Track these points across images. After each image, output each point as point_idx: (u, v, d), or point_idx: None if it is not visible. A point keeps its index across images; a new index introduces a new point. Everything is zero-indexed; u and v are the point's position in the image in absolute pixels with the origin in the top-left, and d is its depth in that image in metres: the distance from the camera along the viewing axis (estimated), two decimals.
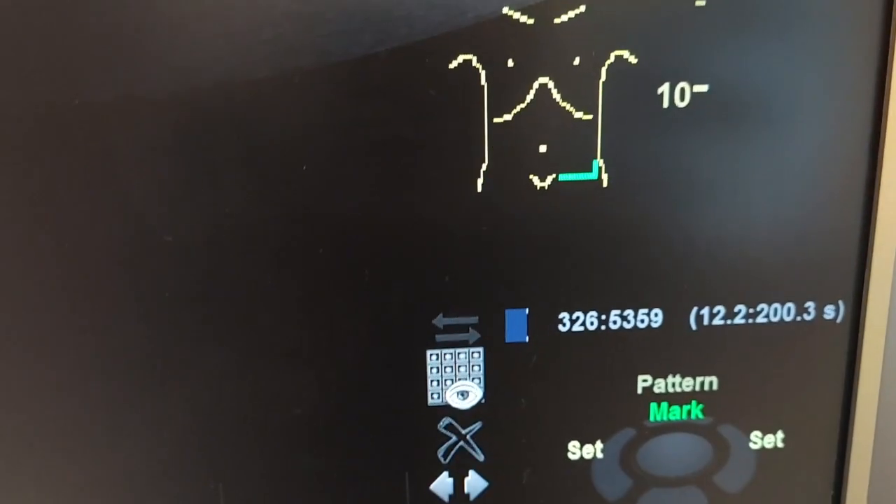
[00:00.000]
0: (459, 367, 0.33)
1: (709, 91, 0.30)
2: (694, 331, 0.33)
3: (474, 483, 0.35)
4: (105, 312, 0.31)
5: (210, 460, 0.33)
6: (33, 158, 0.30)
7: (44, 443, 0.33)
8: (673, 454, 0.35)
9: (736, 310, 0.33)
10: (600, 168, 0.31)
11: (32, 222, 0.30)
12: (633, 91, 0.30)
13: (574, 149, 0.30)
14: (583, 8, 0.29)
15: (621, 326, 0.33)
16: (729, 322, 0.33)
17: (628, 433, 0.34)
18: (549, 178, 0.31)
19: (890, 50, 0.30)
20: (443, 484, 0.35)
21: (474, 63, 0.29)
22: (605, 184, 0.31)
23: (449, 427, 0.34)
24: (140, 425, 0.33)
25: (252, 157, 0.30)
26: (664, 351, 0.33)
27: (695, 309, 0.33)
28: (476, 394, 0.33)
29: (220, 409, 0.33)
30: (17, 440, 0.33)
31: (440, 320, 0.32)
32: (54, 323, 0.31)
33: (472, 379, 0.33)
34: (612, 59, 0.30)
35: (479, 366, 0.33)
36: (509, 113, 0.30)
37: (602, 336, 0.33)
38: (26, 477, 0.33)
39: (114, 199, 0.30)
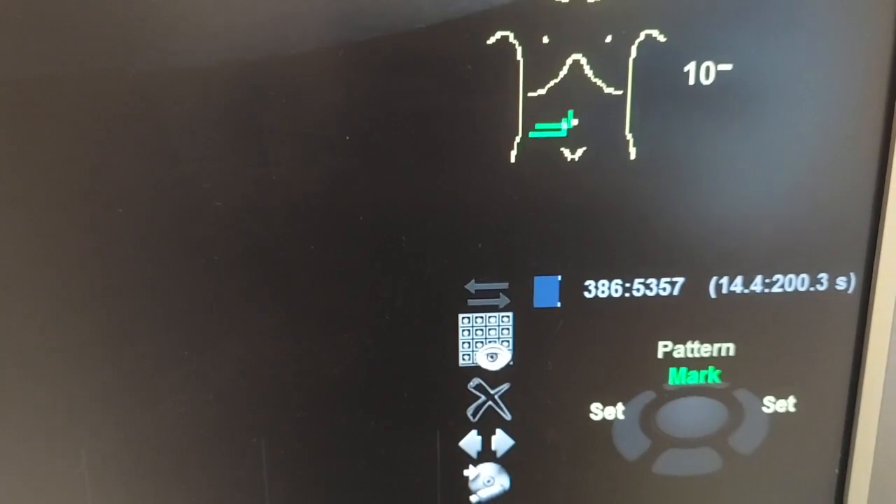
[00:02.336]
0: (489, 330, 0.35)
1: (732, 70, 0.32)
2: (713, 299, 0.35)
3: (501, 441, 0.36)
4: (156, 273, 0.33)
5: (253, 417, 0.35)
6: (91, 128, 0.31)
7: (92, 400, 0.34)
8: (690, 416, 0.36)
9: (753, 280, 0.35)
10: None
11: (88, 188, 0.32)
12: (661, 68, 0.31)
13: (604, 123, 0.32)
14: None
15: (644, 294, 0.34)
16: (746, 291, 0.35)
17: (648, 396, 0.36)
18: (580, 151, 0.32)
19: None
20: (471, 441, 0.36)
21: (511, 39, 0.31)
22: (632, 157, 0.32)
23: (478, 387, 0.35)
24: (186, 383, 0.34)
25: (297, 128, 0.31)
26: (684, 318, 0.35)
27: (714, 278, 0.34)
28: (505, 356, 0.35)
29: (263, 368, 0.34)
30: (65, 398, 0.34)
31: (472, 285, 0.34)
32: (107, 283, 0.33)
33: (502, 342, 0.35)
34: (642, 37, 0.31)
35: (509, 329, 0.35)
36: (543, 87, 0.31)
37: (626, 303, 0.34)
38: (74, 434, 0.35)
39: (166, 166, 0.32)
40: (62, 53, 0.30)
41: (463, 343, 0.35)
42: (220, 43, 0.30)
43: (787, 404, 0.36)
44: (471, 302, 0.34)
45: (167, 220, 0.32)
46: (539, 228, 0.33)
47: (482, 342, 0.35)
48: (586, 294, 0.34)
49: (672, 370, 0.36)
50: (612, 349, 0.35)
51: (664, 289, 0.34)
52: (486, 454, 0.36)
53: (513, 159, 0.32)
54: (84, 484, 0.35)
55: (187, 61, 0.30)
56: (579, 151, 0.32)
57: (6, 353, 0.33)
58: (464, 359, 0.35)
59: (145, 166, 0.31)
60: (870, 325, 0.35)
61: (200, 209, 0.32)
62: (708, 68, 0.32)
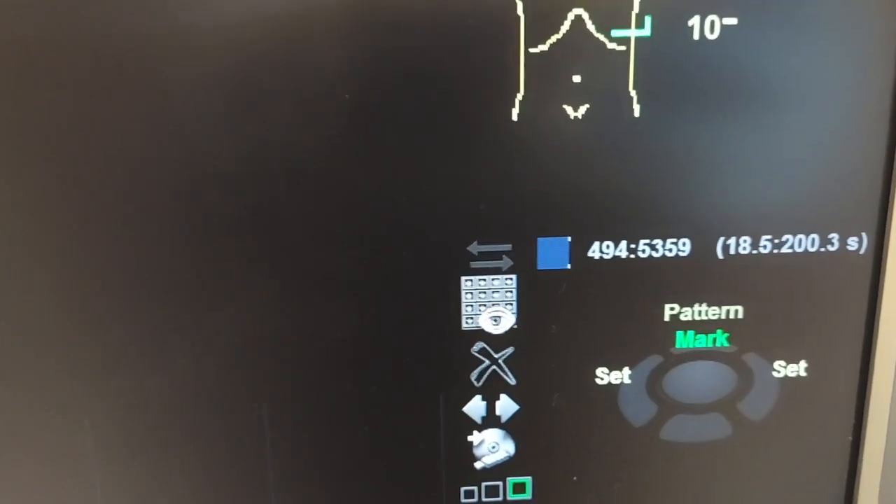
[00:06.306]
0: (493, 293, 0.34)
1: (738, 24, 0.31)
2: (720, 260, 0.34)
3: (506, 406, 0.36)
4: (156, 237, 0.33)
5: (254, 382, 0.35)
6: (93, 89, 0.31)
7: (94, 367, 0.34)
8: (698, 381, 0.36)
9: (762, 240, 0.34)
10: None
11: (87, 151, 0.31)
12: (664, 22, 0.31)
13: (607, 79, 0.31)
14: None
15: (650, 255, 0.34)
16: (754, 252, 0.34)
17: (655, 360, 0.35)
18: (583, 109, 0.32)
19: None
20: (475, 406, 0.36)
21: None
22: (636, 114, 0.32)
23: (482, 351, 0.35)
24: (188, 348, 0.34)
25: (297, 87, 0.31)
26: (691, 280, 0.34)
27: (721, 239, 0.34)
28: (508, 319, 0.35)
29: (264, 333, 0.34)
30: (68, 365, 0.34)
31: (475, 247, 0.34)
32: (108, 247, 0.33)
33: (505, 305, 0.34)
34: None
35: (512, 292, 0.34)
36: (545, 43, 0.31)
37: (631, 264, 0.34)
38: (77, 400, 0.35)
39: (165, 128, 0.31)
40: (61, 14, 0.30)
41: (466, 306, 0.34)
42: (220, 5, 0.30)
43: (799, 368, 0.36)
44: (473, 264, 0.34)
45: (165, 182, 0.32)
46: (542, 188, 0.33)
47: (485, 305, 0.34)
48: (590, 255, 0.34)
49: (679, 333, 0.35)
50: (618, 312, 0.35)
51: (670, 250, 0.34)
52: (490, 419, 0.36)
53: (514, 117, 0.32)
54: (87, 449, 0.35)
55: (186, 22, 0.30)
56: (582, 109, 0.32)
57: (9, 320, 0.33)
58: (467, 322, 0.35)
59: (144, 128, 0.31)
60: (883, 286, 0.34)
61: (200, 171, 0.32)
62: (713, 22, 0.31)
